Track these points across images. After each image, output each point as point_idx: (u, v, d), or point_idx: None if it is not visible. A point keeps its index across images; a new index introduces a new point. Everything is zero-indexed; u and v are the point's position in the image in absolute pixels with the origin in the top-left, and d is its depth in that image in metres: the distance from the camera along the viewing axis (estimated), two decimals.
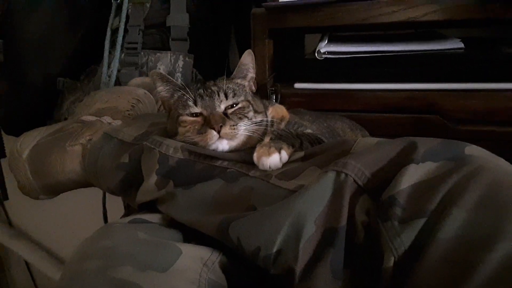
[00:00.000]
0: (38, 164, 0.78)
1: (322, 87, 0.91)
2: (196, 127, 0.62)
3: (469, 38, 0.90)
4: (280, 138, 0.60)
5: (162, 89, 0.67)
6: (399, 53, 0.86)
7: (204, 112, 0.63)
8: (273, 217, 0.46)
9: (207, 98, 0.63)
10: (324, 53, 0.89)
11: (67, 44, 1.25)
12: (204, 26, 1.17)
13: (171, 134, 0.65)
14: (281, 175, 0.52)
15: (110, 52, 1.16)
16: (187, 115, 0.63)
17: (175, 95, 0.67)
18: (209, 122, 0.61)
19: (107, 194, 0.94)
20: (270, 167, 0.55)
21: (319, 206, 0.45)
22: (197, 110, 0.63)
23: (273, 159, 0.55)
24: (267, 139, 0.61)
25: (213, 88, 0.64)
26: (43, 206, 1.24)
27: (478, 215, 0.38)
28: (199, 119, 0.63)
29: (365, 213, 0.43)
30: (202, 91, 0.64)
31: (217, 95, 0.63)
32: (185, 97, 0.64)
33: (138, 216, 0.58)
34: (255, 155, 0.57)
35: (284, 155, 0.56)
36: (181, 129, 0.64)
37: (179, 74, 1.12)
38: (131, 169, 0.66)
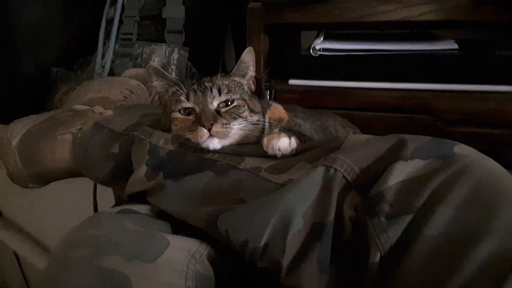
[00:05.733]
0: (28, 152, 0.78)
1: (316, 84, 0.91)
2: (188, 124, 0.61)
3: (463, 39, 0.91)
4: (289, 130, 0.61)
5: (157, 84, 0.66)
6: (393, 52, 0.87)
7: (196, 108, 0.61)
8: (262, 210, 0.46)
9: (200, 93, 0.61)
10: (319, 50, 0.89)
11: (61, 33, 1.24)
12: (200, 19, 1.16)
13: (165, 129, 0.65)
14: (271, 168, 0.52)
15: (104, 43, 1.16)
16: (179, 111, 0.62)
17: (169, 90, 0.66)
18: (200, 119, 0.59)
19: (98, 185, 0.93)
20: (279, 149, 0.55)
21: (307, 201, 0.45)
22: (189, 105, 0.62)
23: (283, 142, 0.55)
24: (275, 130, 0.60)
25: (207, 84, 0.63)
26: (33, 196, 1.24)
27: (464, 213, 0.38)
28: (190, 117, 0.62)
29: (353, 208, 0.44)
30: (196, 87, 0.62)
31: (210, 91, 0.61)
32: (178, 92, 0.62)
33: (127, 206, 0.58)
34: (264, 140, 0.57)
35: (293, 141, 0.56)
36: (173, 127, 0.63)
37: (173, 67, 1.12)
38: (121, 159, 0.66)
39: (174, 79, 0.65)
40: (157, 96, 0.94)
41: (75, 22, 1.25)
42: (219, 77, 0.65)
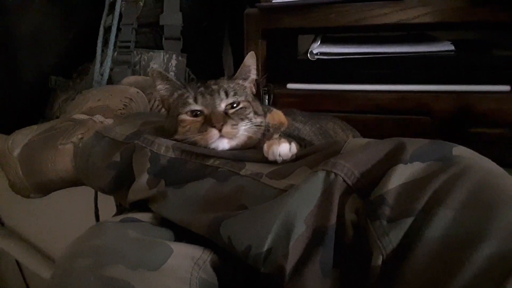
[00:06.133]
0: (29, 163, 0.78)
1: (315, 88, 0.92)
2: (197, 126, 0.62)
3: (460, 40, 0.91)
4: (289, 136, 0.62)
5: (161, 87, 0.67)
6: (391, 55, 0.87)
7: (205, 110, 0.62)
8: (264, 216, 0.46)
9: (208, 96, 0.62)
10: (316, 54, 0.89)
11: (59, 41, 1.25)
12: (198, 26, 1.17)
13: (170, 133, 0.65)
14: (272, 174, 0.53)
15: (102, 51, 1.16)
16: (187, 113, 0.63)
17: (174, 94, 0.66)
18: (210, 121, 0.60)
19: (99, 194, 0.94)
20: (280, 155, 0.56)
21: (309, 206, 0.45)
22: (197, 107, 0.63)
23: (283, 147, 0.56)
24: (275, 136, 0.61)
25: (213, 86, 0.64)
26: (34, 205, 1.24)
27: (464, 215, 0.38)
28: (199, 118, 0.63)
29: (354, 212, 0.44)
30: (202, 89, 0.64)
31: (217, 94, 0.63)
32: (185, 95, 0.63)
33: (129, 215, 0.58)
34: (265, 146, 0.58)
35: (294, 146, 0.57)
36: (180, 129, 0.63)
37: (172, 74, 1.12)
38: (122, 168, 0.66)
39: (180, 83, 0.66)
40: (156, 103, 0.94)
41: (74, 30, 1.25)
42: (225, 80, 0.66)
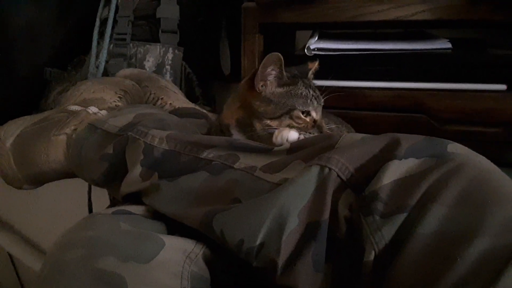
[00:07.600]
0: (22, 153, 0.77)
1: None
2: (307, 126, 0.66)
3: (457, 38, 0.91)
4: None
5: (274, 73, 0.67)
6: (388, 52, 0.87)
7: (314, 115, 0.67)
8: (257, 210, 0.46)
9: (318, 101, 0.68)
10: (313, 49, 0.89)
11: (55, 33, 1.24)
12: (195, 19, 1.16)
13: (263, 116, 0.66)
14: (266, 167, 0.52)
15: (98, 43, 1.15)
16: (302, 112, 0.66)
17: (285, 86, 0.68)
18: (321, 128, 0.67)
19: (93, 187, 0.93)
20: (287, 140, 0.60)
21: (302, 200, 0.45)
22: (310, 109, 0.67)
23: (293, 134, 0.62)
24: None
25: (317, 92, 0.69)
26: (27, 197, 1.23)
27: (458, 211, 0.38)
28: (307, 119, 0.67)
29: (348, 207, 0.44)
30: (313, 93, 0.68)
31: (321, 101, 0.68)
32: (304, 94, 0.67)
33: (122, 207, 0.58)
34: (276, 131, 0.63)
35: (302, 136, 0.62)
36: (288, 121, 0.66)
37: (168, 67, 1.11)
38: (115, 160, 0.66)
39: (289, 76, 0.68)
40: (152, 96, 0.94)
41: (69, 22, 1.24)
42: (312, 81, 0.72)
